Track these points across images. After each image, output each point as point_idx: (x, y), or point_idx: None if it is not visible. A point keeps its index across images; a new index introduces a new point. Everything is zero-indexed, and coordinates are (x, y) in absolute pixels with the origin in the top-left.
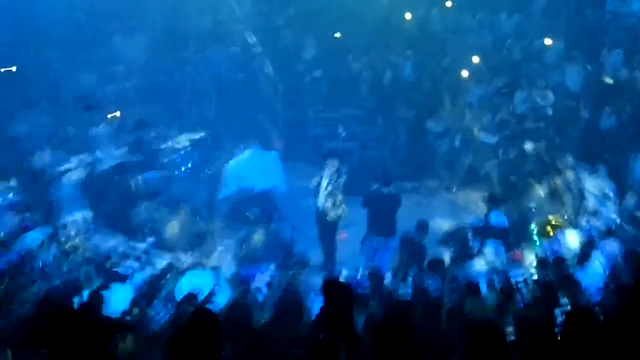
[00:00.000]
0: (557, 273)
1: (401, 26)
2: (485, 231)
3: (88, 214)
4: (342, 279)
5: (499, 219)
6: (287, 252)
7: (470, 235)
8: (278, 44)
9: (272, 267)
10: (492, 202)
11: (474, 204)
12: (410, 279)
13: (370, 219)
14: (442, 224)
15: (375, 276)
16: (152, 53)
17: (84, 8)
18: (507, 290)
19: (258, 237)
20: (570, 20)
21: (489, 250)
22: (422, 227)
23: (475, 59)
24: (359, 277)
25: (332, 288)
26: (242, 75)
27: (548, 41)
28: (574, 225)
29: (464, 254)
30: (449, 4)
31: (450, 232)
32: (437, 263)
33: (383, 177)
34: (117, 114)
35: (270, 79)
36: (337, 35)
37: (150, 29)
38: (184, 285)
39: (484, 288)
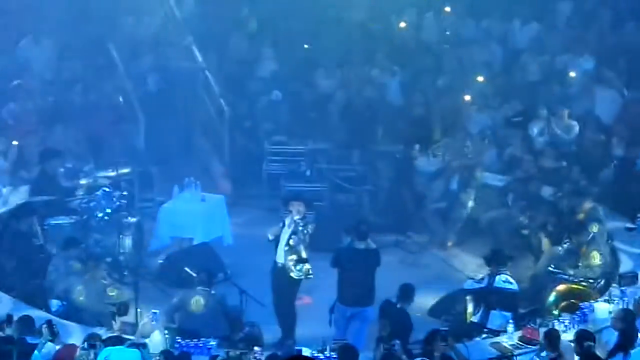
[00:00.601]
0: (582, 353)
1: (386, 35)
2: (488, 297)
3: None
4: None
5: (505, 282)
6: (234, 324)
7: (469, 302)
8: (227, 56)
9: (214, 342)
10: (496, 261)
11: (474, 264)
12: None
13: (342, 282)
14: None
15: (348, 352)
16: (62, 64)
17: None
18: None
19: (196, 303)
20: (605, 32)
21: (493, 323)
22: (407, 292)
23: (480, 79)
24: (327, 353)
25: None
26: (179, 95)
27: (574, 58)
28: (605, 293)
29: (461, 329)
30: (447, 8)
31: (442, 300)
32: (433, 338)
33: (357, 228)
34: (15, 142)
35: (215, 101)
36: (305, 46)
37: (60, 33)
38: None
39: None
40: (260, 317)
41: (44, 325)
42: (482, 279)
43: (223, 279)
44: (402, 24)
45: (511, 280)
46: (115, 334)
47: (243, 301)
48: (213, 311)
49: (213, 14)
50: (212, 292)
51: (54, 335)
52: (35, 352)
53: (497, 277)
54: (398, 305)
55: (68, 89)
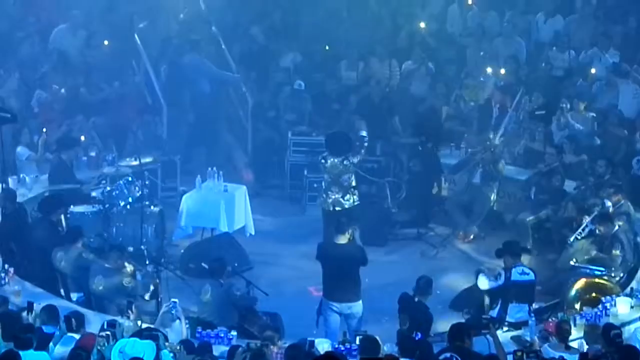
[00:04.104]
0: (610, 345)
1: (410, 28)
2: (506, 292)
3: None
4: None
5: (522, 274)
6: (245, 315)
7: (486, 298)
8: (250, 45)
9: (235, 333)
10: (510, 253)
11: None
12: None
13: (326, 278)
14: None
15: (370, 344)
16: (89, 53)
17: None
18: None
19: (204, 293)
20: (630, 28)
21: (512, 316)
22: (424, 285)
23: (502, 72)
24: (348, 345)
25: None
26: (202, 86)
27: (599, 53)
28: (627, 289)
29: (481, 322)
30: (470, 1)
31: (462, 294)
32: (461, 330)
33: (337, 222)
34: (44, 130)
35: (238, 90)
36: (327, 47)
37: (87, 23)
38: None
39: None
40: (277, 308)
41: (62, 319)
42: (499, 274)
43: (246, 269)
44: (422, 25)
45: (527, 270)
46: (134, 324)
47: (250, 292)
48: (220, 301)
49: (238, 7)
50: (222, 282)
51: (73, 330)
52: (51, 344)
53: (514, 270)
54: (416, 299)
55: (94, 78)
